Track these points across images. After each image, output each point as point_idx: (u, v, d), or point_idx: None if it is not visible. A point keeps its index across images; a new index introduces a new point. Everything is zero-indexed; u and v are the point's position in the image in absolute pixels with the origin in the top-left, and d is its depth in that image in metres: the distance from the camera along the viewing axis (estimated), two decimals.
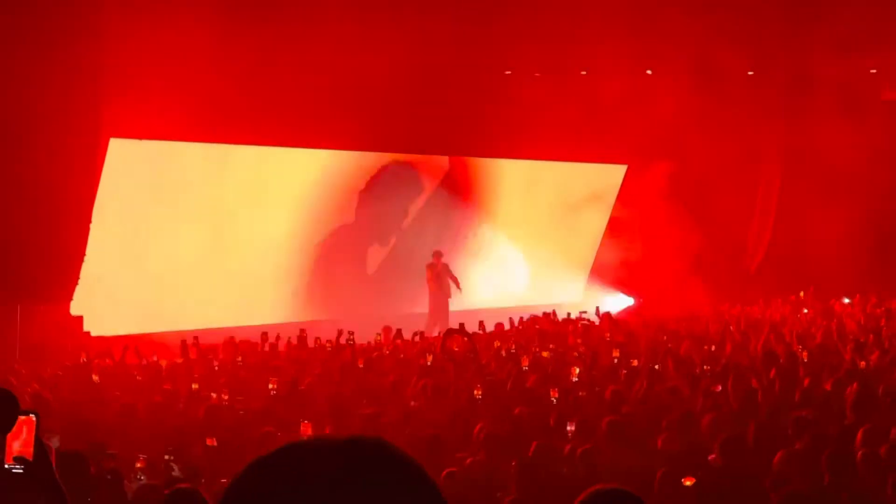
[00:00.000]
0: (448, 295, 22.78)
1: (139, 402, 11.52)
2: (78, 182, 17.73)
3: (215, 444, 9.71)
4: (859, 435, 9.15)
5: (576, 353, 15.77)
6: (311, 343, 17.30)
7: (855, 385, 11.68)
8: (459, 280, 23.19)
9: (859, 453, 8.30)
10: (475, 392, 12.14)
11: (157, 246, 19.79)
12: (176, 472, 7.67)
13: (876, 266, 22.74)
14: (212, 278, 20.43)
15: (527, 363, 14.18)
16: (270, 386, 12.14)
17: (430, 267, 22.86)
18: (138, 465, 7.46)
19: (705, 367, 13.95)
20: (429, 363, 14.68)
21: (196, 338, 15.92)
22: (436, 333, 20.03)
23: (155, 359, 15.10)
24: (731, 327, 19.03)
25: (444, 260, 23.05)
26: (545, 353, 15.52)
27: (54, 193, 17.04)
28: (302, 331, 17.63)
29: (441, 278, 22.87)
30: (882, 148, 22.73)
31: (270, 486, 1.26)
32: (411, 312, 22.07)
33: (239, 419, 10.58)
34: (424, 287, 23.10)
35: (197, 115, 18.77)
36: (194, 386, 12.32)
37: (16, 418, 3.33)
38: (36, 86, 16.49)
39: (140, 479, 7.24)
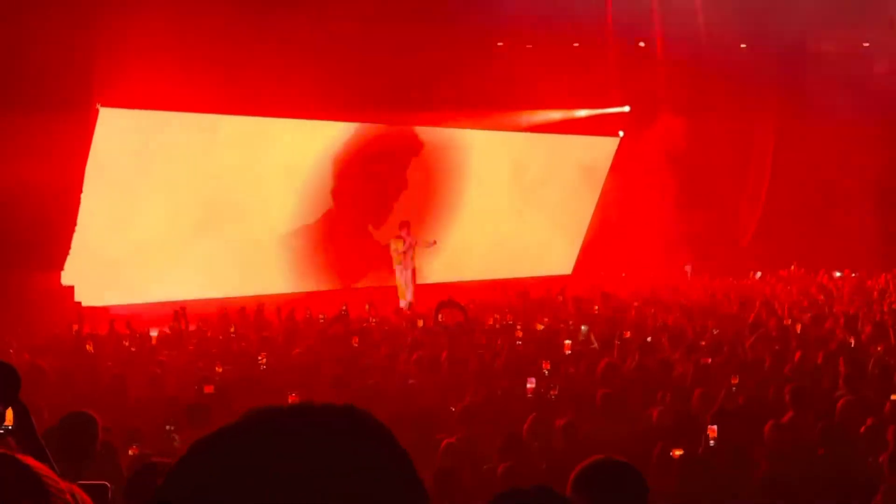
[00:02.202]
0: (413, 268, 22.58)
1: (131, 374, 11.51)
2: (68, 151, 17.65)
3: (213, 391, 9.77)
4: (851, 407, 9.21)
5: (570, 323, 15.80)
6: (301, 315, 17.31)
7: (842, 359, 11.76)
8: (433, 244, 23.03)
9: (851, 425, 8.35)
10: (467, 365, 12.18)
11: (148, 215, 19.74)
12: (177, 443, 7.65)
13: (869, 240, 22.77)
14: (202, 248, 20.40)
15: (520, 335, 14.20)
16: (260, 359, 12.15)
17: (398, 239, 22.57)
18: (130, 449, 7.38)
19: (702, 342, 14.00)
20: (420, 330, 14.72)
21: (183, 308, 15.88)
22: (403, 305, 20.00)
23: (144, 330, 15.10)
24: (723, 300, 19.11)
25: (412, 230, 22.77)
26: (539, 326, 15.54)
27: (44, 163, 16.96)
28: (285, 305, 17.62)
29: (409, 251, 22.63)
30: (876, 121, 22.72)
31: (235, 452, 1.23)
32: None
33: (232, 390, 10.56)
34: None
35: (187, 85, 18.67)
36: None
37: (17, 393, 3.31)
38: (26, 55, 16.38)
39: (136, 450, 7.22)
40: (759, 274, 23.69)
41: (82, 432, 5.84)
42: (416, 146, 23.88)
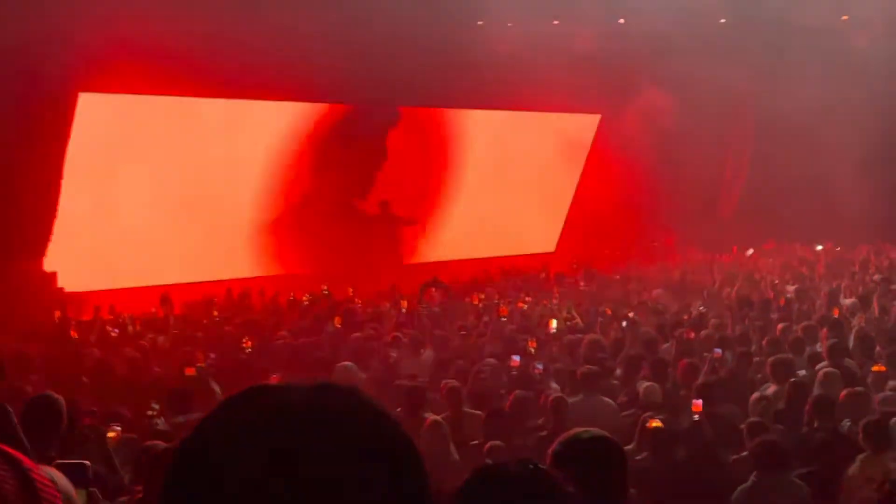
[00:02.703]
0: (399, 244, 22.65)
1: (115, 358, 11.52)
2: (48, 137, 17.58)
3: (194, 373, 9.80)
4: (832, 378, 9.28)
5: (554, 302, 15.85)
6: (285, 298, 17.32)
7: (825, 331, 11.85)
8: (418, 224, 23.10)
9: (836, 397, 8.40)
10: (452, 342, 12.23)
11: (130, 200, 19.64)
12: (161, 426, 7.67)
13: (850, 213, 22.82)
14: (185, 232, 20.34)
15: (506, 313, 14.25)
16: (244, 343, 12.16)
17: (376, 219, 22.57)
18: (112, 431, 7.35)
19: (684, 316, 14.08)
20: (404, 311, 14.75)
21: (167, 293, 15.87)
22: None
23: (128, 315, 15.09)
24: (707, 275, 19.19)
25: (391, 210, 22.80)
26: (522, 304, 15.59)
27: (24, 149, 16.89)
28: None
29: (390, 230, 22.69)
30: (856, 95, 22.77)
31: (239, 423, 1.25)
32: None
33: (216, 375, 10.58)
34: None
35: (167, 69, 18.54)
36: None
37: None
38: (4, 41, 16.26)
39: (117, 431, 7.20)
40: (750, 251, 23.77)
41: (46, 414, 5.84)
42: (398, 126, 23.82)
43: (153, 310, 15.61)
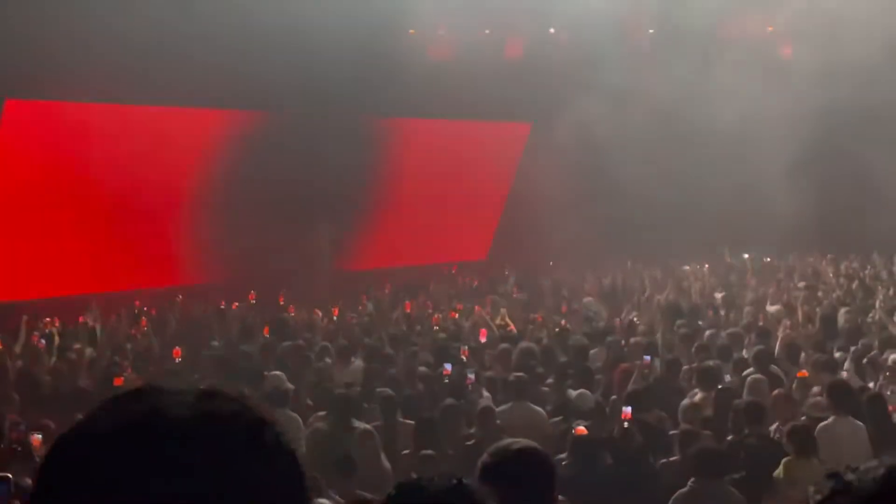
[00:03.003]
0: (328, 253, 22.59)
1: (40, 369, 11.35)
2: None
3: (122, 383, 9.68)
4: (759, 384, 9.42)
5: (487, 310, 15.89)
6: (215, 306, 17.18)
7: (750, 338, 12.03)
8: (351, 232, 23.11)
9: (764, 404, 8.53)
10: (383, 351, 12.20)
11: (55, 208, 19.33)
12: None
13: (778, 222, 23.15)
14: (113, 241, 20.08)
15: (436, 320, 14.27)
16: (174, 354, 12.04)
17: (308, 227, 22.47)
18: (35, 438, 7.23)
19: (616, 321, 14.20)
20: (335, 319, 14.70)
21: (93, 302, 15.67)
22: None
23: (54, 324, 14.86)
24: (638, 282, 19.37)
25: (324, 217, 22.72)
26: (454, 314, 15.61)
27: None
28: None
29: (323, 238, 22.63)
30: (779, 104, 23.12)
31: (103, 429, 1.21)
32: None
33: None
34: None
35: (91, 76, 18.25)
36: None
37: None
38: None
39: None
40: (686, 267, 23.96)
41: None
42: (329, 134, 23.68)
43: (80, 320, 15.37)
